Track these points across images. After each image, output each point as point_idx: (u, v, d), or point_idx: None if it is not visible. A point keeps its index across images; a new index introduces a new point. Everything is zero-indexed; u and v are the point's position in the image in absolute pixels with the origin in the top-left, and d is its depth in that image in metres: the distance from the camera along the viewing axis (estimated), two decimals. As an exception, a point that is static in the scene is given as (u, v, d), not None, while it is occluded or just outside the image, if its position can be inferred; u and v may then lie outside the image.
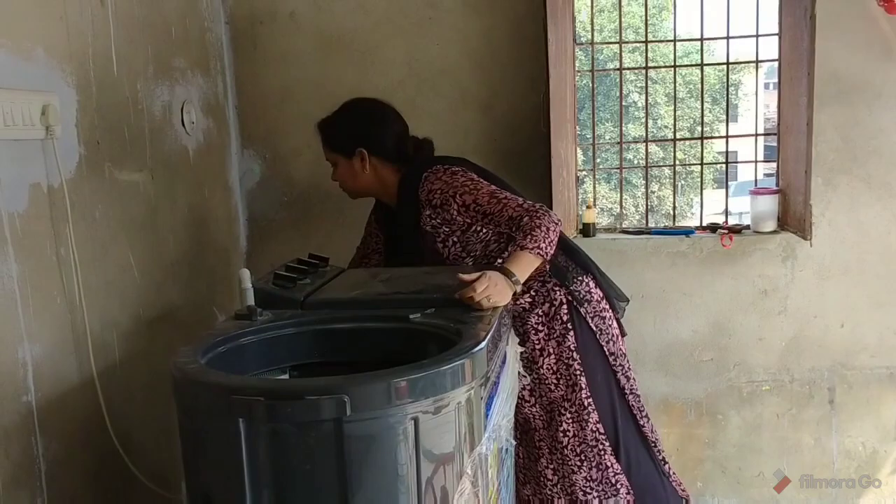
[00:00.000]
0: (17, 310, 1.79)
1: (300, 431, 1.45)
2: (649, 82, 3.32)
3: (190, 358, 1.66)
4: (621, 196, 3.44)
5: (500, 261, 2.26)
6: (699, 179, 3.65)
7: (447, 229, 2.35)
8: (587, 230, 3.07)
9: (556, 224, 2.21)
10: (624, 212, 3.34)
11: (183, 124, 2.62)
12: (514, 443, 2.26)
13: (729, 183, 3.39)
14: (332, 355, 1.96)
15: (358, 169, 2.43)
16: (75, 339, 1.98)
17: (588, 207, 3.09)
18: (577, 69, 3.09)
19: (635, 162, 6.78)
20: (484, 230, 2.33)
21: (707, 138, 3.36)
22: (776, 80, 3.07)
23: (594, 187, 3.32)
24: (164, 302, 2.44)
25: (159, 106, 2.48)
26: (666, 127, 10.19)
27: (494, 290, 1.98)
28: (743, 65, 3.45)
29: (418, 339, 1.88)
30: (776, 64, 3.05)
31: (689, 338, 3.02)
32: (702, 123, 3.45)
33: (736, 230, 3.02)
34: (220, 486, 1.58)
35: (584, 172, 3.31)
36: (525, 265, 2.14)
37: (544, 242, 2.15)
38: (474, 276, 2.00)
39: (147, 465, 2.22)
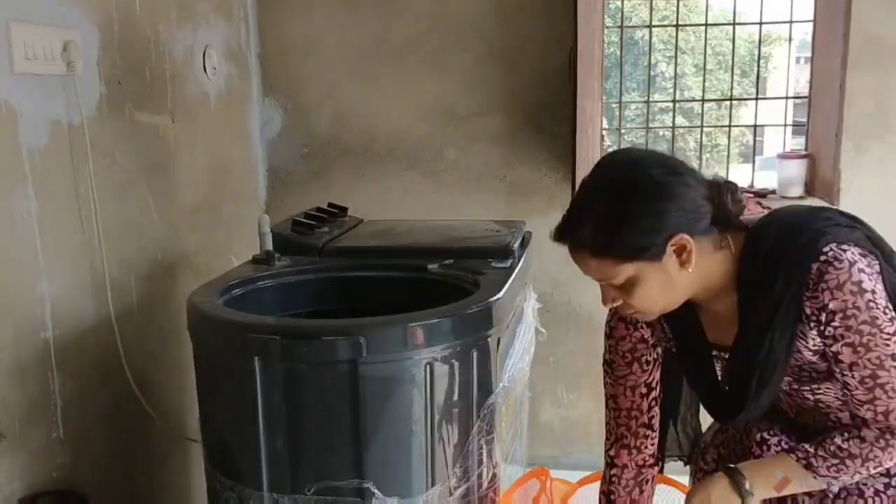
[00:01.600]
0: (35, 246, 1.78)
1: (315, 372, 1.45)
2: (677, 52, 3.25)
3: (207, 298, 1.66)
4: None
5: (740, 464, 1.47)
6: (725, 154, 3.59)
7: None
8: (610, 191, 3.02)
9: None
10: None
11: (204, 69, 2.60)
12: (529, 394, 2.22)
13: (755, 158, 3.33)
14: (349, 303, 1.95)
15: (674, 271, 1.34)
16: (93, 279, 1.98)
17: (611, 168, 3.04)
18: (605, 26, 3.03)
19: (661, 133, 6.70)
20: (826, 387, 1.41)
21: (736, 99, 3.30)
22: (807, 54, 3.00)
23: (619, 147, 3.27)
24: (182, 247, 2.43)
25: (181, 49, 2.45)
26: (694, 99, 10.06)
27: None
28: (774, 36, 3.38)
29: (436, 290, 1.86)
30: (807, 38, 2.98)
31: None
32: (731, 88, 3.38)
33: (762, 195, 2.97)
34: (234, 426, 1.58)
35: (608, 142, 3.26)
36: (784, 483, 1.40)
37: (855, 474, 1.36)
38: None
39: (162, 405, 2.24)
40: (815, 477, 1.37)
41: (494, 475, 1.71)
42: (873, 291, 1.27)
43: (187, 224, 2.47)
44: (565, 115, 2.85)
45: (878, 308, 1.27)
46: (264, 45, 3.07)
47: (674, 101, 3.30)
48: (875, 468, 1.35)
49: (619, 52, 3.22)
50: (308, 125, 3.12)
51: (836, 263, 1.27)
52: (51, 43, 1.81)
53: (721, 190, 1.37)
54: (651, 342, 1.58)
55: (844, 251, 1.28)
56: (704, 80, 3.84)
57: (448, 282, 1.86)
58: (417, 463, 1.51)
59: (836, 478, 1.36)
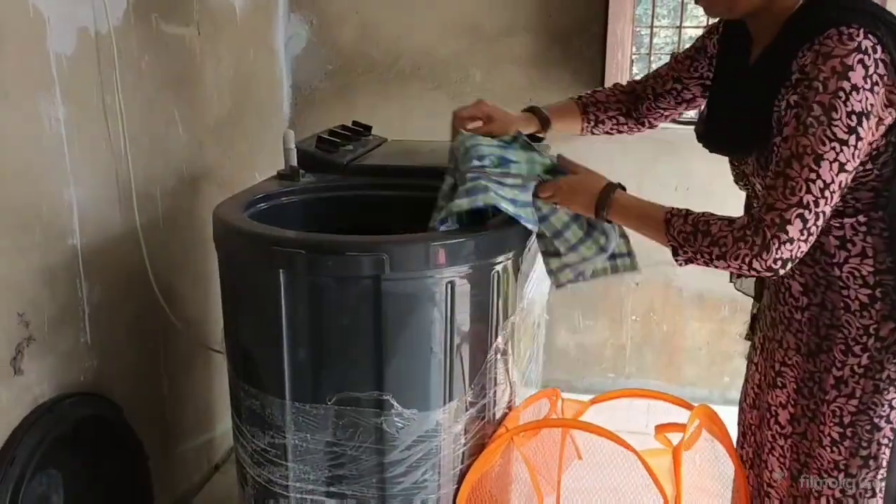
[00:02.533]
0: (63, 152, 1.80)
1: (339, 286, 1.47)
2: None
3: (232, 210, 1.68)
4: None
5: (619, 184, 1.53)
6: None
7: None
8: (636, 118, 2.99)
9: (749, 265, 1.27)
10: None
11: (231, -19, 2.56)
12: (546, 318, 2.25)
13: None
14: (372, 221, 1.96)
15: None
16: (120, 187, 2.00)
17: (639, 94, 3.00)
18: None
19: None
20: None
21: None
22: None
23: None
24: (207, 160, 2.44)
25: (208, -41, 2.42)
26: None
27: (567, 198, 1.56)
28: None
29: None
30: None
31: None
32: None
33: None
34: (258, 338, 1.62)
35: (637, 70, 3.20)
36: (640, 221, 1.45)
37: (697, 253, 1.34)
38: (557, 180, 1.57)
39: (187, 316, 2.28)
40: (665, 233, 1.37)
41: (510, 393, 1.74)
42: (854, 88, 1.20)
43: (212, 137, 2.47)
44: (594, 36, 2.81)
45: (844, 103, 1.20)
46: (291, -42, 3.02)
47: (706, 27, 3.22)
48: (718, 259, 1.30)
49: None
50: (333, 41, 3.09)
51: (845, 38, 1.21)
52: (78, -52, 1.79)
53: None
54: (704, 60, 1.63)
55: (866, 37, 1.21)
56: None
57: (471, 203, 1.86)
58: (436, 378, 1.54)
59: (680, 246, 1.35)
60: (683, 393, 2.08)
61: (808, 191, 1.22)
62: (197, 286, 2.36)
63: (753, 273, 1.27)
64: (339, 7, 3.04)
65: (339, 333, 1.49)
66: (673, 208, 1.39)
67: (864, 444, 1.40)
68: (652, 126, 1.81)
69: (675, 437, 1.60)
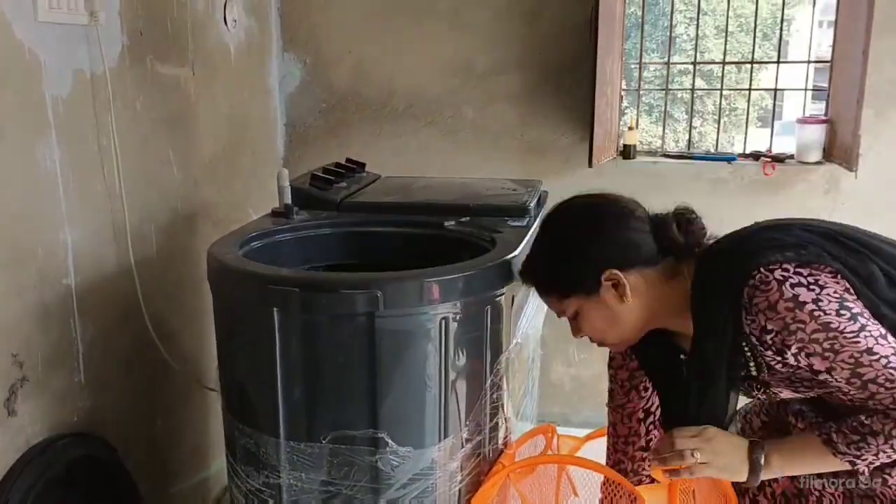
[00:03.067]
0: (58, 194, 1.81)
1: (333, 324, 1.48)
2: (699, 14, 3.22)
3: (226, 249, 1.68)
4: (664, 120, 3.38)
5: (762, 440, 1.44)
6: (743, 117, 3.57)
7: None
8: (627, 152, 3.03)
9: None
10: (664, 145, 3.27)
11: (225, 22, 2.60)
12: (541, 352, 2.25)
13: (774, 122, 3.31)
14: (366, 258, 1.97)
15: (614, 304, 1.44)
16: (114, 227, 2.01)
17: (630, 129, 3.04)
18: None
19: (679, 96, 6.63)
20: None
21: (757, 63, 3.27)
22: (830, 17, 2.96)
23: (638, 107, 3.26)
24: (202, 199, 2.46)
25: (202, 1, 2.45)
26: (714, 61, 9.93)
27: (711, 455, 1.40)
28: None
29: (452, 247, 1.88)
30: (833, 0, 2.94)
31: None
32: (752, 50, 3.34)
33: (779, 159, 2.96)
34: (252, 376, 1.61)
35: (626, 104, 3.25)
36: (803, 462, 1.40)
37: (878, 454, 1.30)
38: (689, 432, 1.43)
39: (181, 354, 2.28)
40: (834, 454, 1.33)
41: (505, 429, 1.74)
42: (816, 300, 1.27)
43: (206, 176, 2.49)
44: (584, 74, 2.84)
45: (826, 314, 1.26)
46: (285, -1, 3.06)
47: (694, 62, 3.27)
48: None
49: (639, 12, 3.19)
50: (327, 80, 3.12)
51: (762, 287, 1.29)
52: (74, -8, 1.82)
53: (667, 223, 1.45)
54: (633, 379, 1.68)
55: (772, 271, 1.30)
56: (726, 43, 3.79)
57: (464, 239, 1.88)
58: (431, 415, 1.54)
59: (857, 456, 1.31)
60: (679, 426, 2.07)
61: (890, 363, 1.25)
62: (191, 324, 2.36)
63: None
64: (333, 46, 3.08)
65: (334, 371, 1.50)
66: (820, 429, 1.36)
67: None
68: None
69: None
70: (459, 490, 1.61)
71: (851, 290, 1.30)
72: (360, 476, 1.52)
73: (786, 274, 1.29)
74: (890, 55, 2.73)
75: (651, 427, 1.70)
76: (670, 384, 1.56)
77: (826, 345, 1.26)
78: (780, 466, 1.40)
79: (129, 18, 2.05)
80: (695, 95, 3.35)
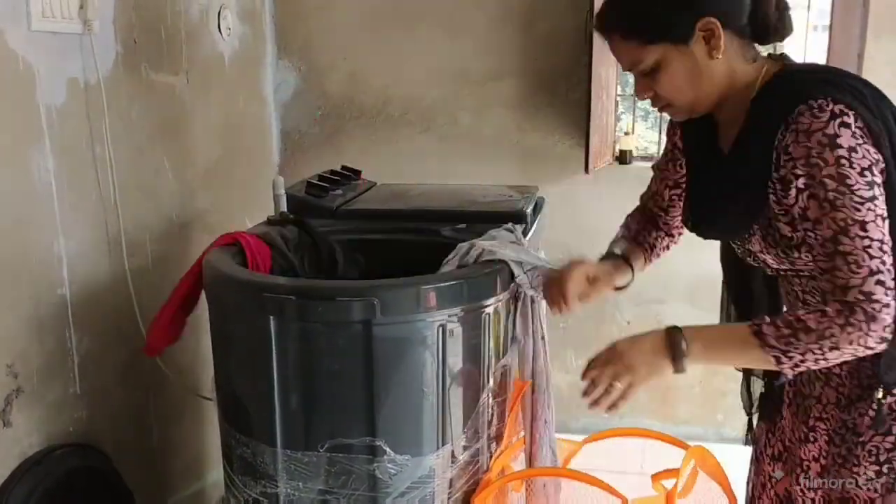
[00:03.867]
0: (53, 204, 1.80)
1: (330, 332, 1.47)
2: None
3: (222, 257, 1.68)
4: (661, 125, 3.38)
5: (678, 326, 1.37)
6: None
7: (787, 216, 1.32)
8: (624, 157, 3.03)
9: (865, 345, 1.22)
10: (660, 149, 3.27)
11: (219, 30, 2.59)
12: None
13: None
14: (363, 266, 1.96)
15: (702, 59, 1.33)
16: (109, 237, 2.00)
17: (626, 134, 3.04)
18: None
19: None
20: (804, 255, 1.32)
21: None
22: (825, 22, 2.96)
23: (634, 113, 3.26)
24: (197, 207, 2.45)
25: (196, 9, 2.45)
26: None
27: (628, 373, 1.37)
28: (793, 2, 3.32)
29: (449, 253, 1.87)
30: (827, 4, 2.94)
31: (720, 272, 2.99)
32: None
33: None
34: (249, 384, 1.60)
35: (622, 109, 3.25)
36: (727, 350, 1.35)
37: (806, 352, 1.24)
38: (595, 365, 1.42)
39: (177, 363, 2.27)
40: (761, 346, 1.26)
41: (504, 436, 1.73)
42: (850, 149, 1.21)
43: (201, 184, 2.48)
44: (579, 79, 2.84)
45: (850, 167, 1.21)
46: (279, 6, 3.06)
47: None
48: (831, 350, 1.23)
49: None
50: (322, 87, 3.12)
51: (816, 111, 1.23)
52: (68, 1, 1.81)
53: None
54: (677, 160, 1.62)
55: (835, 103, 1.23)
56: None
57: (461, 246, 1.87)
58: (428, 422, 1.53)
59: (784, 352, 1.25)
60: (678, 431, 2.07)
61: (871, 256, 1.20)
62: (189, 332, 2.34)
63: (870, 351, 1.24)
64: (328, 54, 3.07)
65: (331, 379, 1.49)
66: (752, 322, 1.30)
67: None
68: (682, 231, 1.73)
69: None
70: (458, 498, 1.60)
71: (884, 172, 1.24)
72: (357, 484, 1.51)
73: (843, 113, 1.22)
74: (885, 58, 2.73)
75: (674, 197, 1.66)
76: (699, 175, 1.51)
77: (831, 195, 1.21)
78: (703, 353, 1.33)
79: (122, 27, 2.04)
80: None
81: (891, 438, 1.37)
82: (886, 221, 1.23)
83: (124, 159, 2.04)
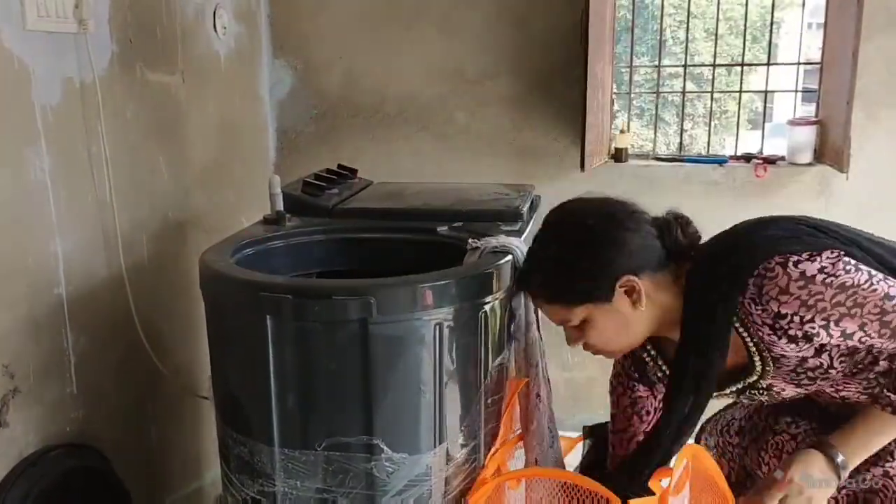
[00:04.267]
0: (48, 203, 1.80)
1: (326, 331, 1.47)
2: (689, 17, 3.23)
3: (219, 256, 1.68)
4: (656, 123, 3.38)
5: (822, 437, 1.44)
6: (734, 119, 3.57)
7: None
8: (619, 155, 3.03)
9: None
10: (656, 149, 3.28)
11: (215, 29, 2.59)
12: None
13: (765, 124, 3.32)
14: (359, 264, 1.96)
15: (627, 311, 1.43)
16: (105, 236, 2.00)
17: (621, 132, 3.05)
18: (617, -12, 3.01)
19: (670, 99, 6.64)
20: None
21: (747, 65, 3.28)
22: (819, 19, 2.97)
23: (629, 111, 3.27)
24: (193, 206, 2.45)
25: (192, 8, 2.44)
26: (704, 64, 9.96)
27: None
28: (787, 1, 3.34)
29: (445, 252, 1.87)
30: (821, 2, 2.95)
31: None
32: (743, 53, 3.35)
33: (771, 161, 2.97)
34: (246, 383, 1.60)
35: (617, 107, 3.25)
36: (876, 442, 1.40)
37: None
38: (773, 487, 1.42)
39: (173, 361, 2.27)
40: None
41: (501, 434, 1.73)
42: (821, 269, 1.28)
43: (197, 183, 2.48)
44: (575, 77, 2.84)
45: (836, 276, 1.28)
46: (274, 5, 3.06)
47: (685, 65, 3.27)
48: None
49: (629, 16, 3.20)
50: (318, 86, 3.12)
51: (768, 275, 1.30)
52: (63, 0, 1.81)
53: (671, 226, 1.45)
54: (647, 393, 1.68)
55: (775, 262, 1.31)
56: (716, 46, 3.80)
57: (457, 244, 1.87)
58: (425, 421, 1.53)
59: None
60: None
61: None
62: (184, 332, 2.35)
63: None
64: (324, 52, 3.07)
65: (327, 378, 1.49)
66: (877, 402, 1.37)
67: None
68: None
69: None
70: (455, 496, 1.61)
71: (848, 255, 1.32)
72: (355, 483, 1.51)
73: (785, 260, 1.30)
74: (879, 56, 2.74)
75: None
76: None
77: (849, 303, 1.28)
78: (857, 455, 1.39)
79: (118, 26, 2.04)
80: (685, 98, 3.35)
81: None
82: (890, 279, 1.32)
83: (120, 158, 2.04)
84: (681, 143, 3.35)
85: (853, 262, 1.30)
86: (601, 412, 3.29)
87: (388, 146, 3.09)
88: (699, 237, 1.48)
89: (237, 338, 1.60)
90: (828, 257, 1.29)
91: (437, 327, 1.50)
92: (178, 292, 2.31)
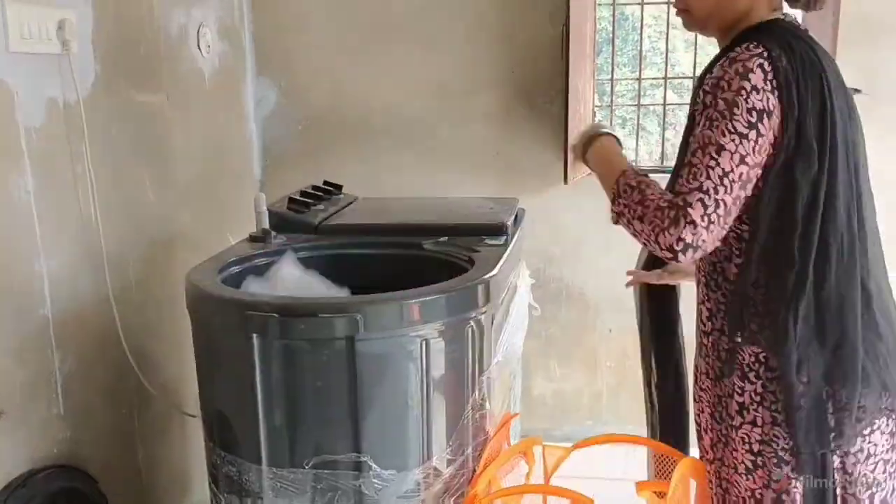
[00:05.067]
0: (33, 224, 1.80)
1: (313, 348, 1.48)
2: (668, 27, 3.26)
3: (205, 275, 1.68)
4: (637, 136, 3.41)
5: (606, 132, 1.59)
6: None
7: None
8: (602, 168, 3.05)
9: (656, 237, 1.31)
10: (638, 159, 3.31)
11: (199, 47, 2.60)
12: (520, 371, 2.26)
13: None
14: (346, 280, 1.97)
15: None
16: (91, 256, 2.00)
17: (604, 145, 3.07)
18: (597, 2, 3.04)
19: (652, 109, 6.68)
20: None
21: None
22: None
23: (611, 123, 3.29)
24: (179, 225, 2.45)
25: (175, 27, 2.45)
26: (683, 74, 10.03)
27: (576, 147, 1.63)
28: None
29: (431, 267, 1.89)
30: (799, 14, 2.98)
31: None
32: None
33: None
34: (233, 402, 1.61)
35: (600, 117, 3.28)
36: (606, 167, 1.51)
37: (627, 206, 1.37)
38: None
39: (160, 380, 2.27)
40: (615, 179, 1.42)
41: (489, 448, 1.74)
42: (755, 88, 1.28)
43: (183, 202, 2.48)
44: (557, 91, 2.87)
45: (745, 100, 1.28)
46: (258, 23, 3.07)
47: (665, 77, 3.31)
48: (638, 220, 1.34)
49: (610, 28, 3.23)
50: (302, 103, 3.12)
51: (751, 47, 1.31)
52: (46, 22, 1.82)
53: None
54: None
55: (765, 48, 1.30)
56: (695, 56, 3.83)
57: (443, 259, 1.89)
58: (413, 437, 1.54)
59: (618, 195, 1.39)
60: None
61: (708, 177, 1.28)
62: (171, 351, 2.35)
63: (656, 247, 1.31)
64: (308, 69, 3.09)
65: (315, 396, 1.50)
66: (625, 169, 1.43)
67: (775, 479, 1.40)
68: None
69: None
70: (444, 511, 1.61)
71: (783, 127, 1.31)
72: (344, 500, 1.52)
73: (771, 56, 1.30)
74: (855, 66, 2.78)
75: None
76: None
77: (714, 115, 1.29)
78: (595, 156, 1.55)
79: (101, 46, 2.04)
80: (667, 109, 3.38)
81: (757, 430, 1.40)
82: (744, 166, 1.29)
83: (105, 178, 2.04)
84: (662, 152, 3.37)
85: (767, 127, 1.29)
86: (588, 423, 3.31)
87: (373, 161, 3.10)
88: (817, 4, 1.48)
89: (224, 356, 1.61)
90: (767, 100, 1.29)
91: (424, 343, 1.51)
92: (165, 310, 2.30)
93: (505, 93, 2.99)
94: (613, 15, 3.18)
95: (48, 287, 1.85)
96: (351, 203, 2.39)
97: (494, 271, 1.69)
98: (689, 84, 3.56)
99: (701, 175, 1.28)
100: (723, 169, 1.28)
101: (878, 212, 1.44)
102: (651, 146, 8.95)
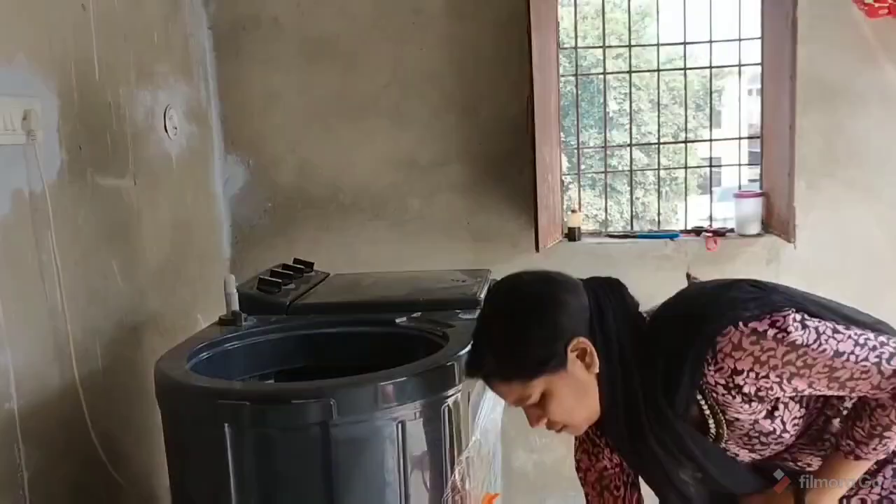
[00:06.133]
0: (-2, 316, 1.77)
1: (286, 436, 1.45)
2: (633, 89, 3.34)
3: (174, 363, 1.65)
4: (606, 201, 3.45)
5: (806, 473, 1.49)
6: (683, 185, 3.66)
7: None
8: (572, 234, 3.07)
9: None
10: (609, 218, 3.35)
11: (166, 130, 2.60)
12: (500, 447, 2.23)
13: (713, 189, 3.40)
14: (319, 360, 1.95)
15: (583, 376, 1.40)
16: (57, 346, 1.96)
17: (573, 212, 3.10)
18: (560, 73, 3.10)
19: (620, 169, 6.80)
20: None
21: (691, 141, 3.38)
22: (759, 85, 3.08)
23: (579, 192, 3.33)
24: (148, 309, 2.42)
25: (142, 111, 2.46)
26: (649, 133, 10.22)
27: None
28: (726, 70, 3.48)
29: (405, 343, 1.87)
30: (759, 69, 3.07)
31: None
32: (685, 127, 3.47)
33: (720, 233, 3.03)
34: (206, 493, 1.57)
35: (569, 179, 3.32)
36: (844, 478, 1.43)
37: (893, 441, 1.37)
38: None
39: (131, 472, 2.20)
40: (860, 459, 1.38)
41: (470, 529, 1.71)
42: (772, 324, 1.30)
43: (152, 285, 2.45)
44: (525, 161, 2.90)
45: (789, 334, 1.29)
46: (225, 103, 3.09)
47: (630, 144, 3.37)
48: None
49: (574, 92, 3.28)
50: (271, 180, 3.13)
51: (719, 339, 1.32)
52: (10, 113, 1.81)
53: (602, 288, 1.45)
54: (616, 466, 1.62)
55: (727, 329, 1.32)
56: (659, 120, 3.91)
57: (417, 335, 1.87)
58: (392, 522, 1.50)
59: (884, 451, 1.38)
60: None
61: (863, 348, 1.31)
62: (141, 441, 2.29)
63: None
64: (276, 147, 3.10)
65: (290, 484, 1.46)
66: (844, 450, 1.40)
67: None
68: None
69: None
70: None
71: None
72: (322, 593, 1.47)
73: (738, 316, 1.32)
74: (815, 128, 2.85)
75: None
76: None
77: (800, 362, 1.29)
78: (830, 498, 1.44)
79: (67, 134, 2.04)
80: (634, 170, 3.44)
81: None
82: (840, 326, 1.33)
83: (71, 265, 2.01)
84: (632, 217, 3.41)
85: (801, 318, 1.31)
86: (571, 494, 3.25)
87: (343, 236, 3.10)
88: (633, 301, 1.48)
89: (195, 447, 1.57)
90: (778, 314, 1.31)
91: (400, 425, 1.49)
92: (134, 398, 2.25)
93: (473, 164, 3.02)
94: (577, 84, 3.24)
95: (14, 380, 1.80)
96: (322, 280, 2.37)
97: (469, 347, 1.67)
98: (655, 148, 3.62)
99: (863, 359, 1.30)
100: (830, 332, 1.31)
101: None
102: (622, 205, 9.11)
